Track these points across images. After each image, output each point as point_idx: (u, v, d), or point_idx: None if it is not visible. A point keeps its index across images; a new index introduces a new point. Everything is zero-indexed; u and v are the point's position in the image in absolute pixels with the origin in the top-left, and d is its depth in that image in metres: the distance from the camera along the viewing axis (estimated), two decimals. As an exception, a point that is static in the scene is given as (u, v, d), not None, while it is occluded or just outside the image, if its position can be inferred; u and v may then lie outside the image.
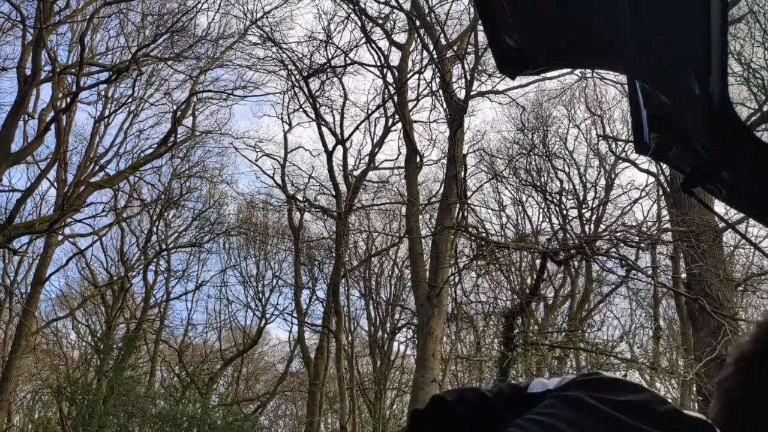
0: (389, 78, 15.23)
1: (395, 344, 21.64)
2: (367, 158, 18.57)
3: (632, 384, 0.96)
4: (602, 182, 19.01)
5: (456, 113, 12.75)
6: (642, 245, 11.77)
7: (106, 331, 18.95)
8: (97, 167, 18.50)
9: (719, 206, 11.81)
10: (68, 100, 15.53)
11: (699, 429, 0.90)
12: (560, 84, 17.80)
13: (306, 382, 19.70)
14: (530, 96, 20.14)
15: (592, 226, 17.76)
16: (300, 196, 19.74)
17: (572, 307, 18.28)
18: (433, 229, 14.27)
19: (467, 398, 1.05)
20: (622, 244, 10.45)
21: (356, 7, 14.40)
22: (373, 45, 14.73)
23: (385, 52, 15.45)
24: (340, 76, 16.40)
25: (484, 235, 14.92)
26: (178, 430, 16.32)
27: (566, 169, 18.85)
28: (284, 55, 15.68)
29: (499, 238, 16.90)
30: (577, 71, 14.67)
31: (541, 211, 19.05)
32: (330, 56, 15.56)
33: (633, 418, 0.87)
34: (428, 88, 15.75)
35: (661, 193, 16.68)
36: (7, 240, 12.81)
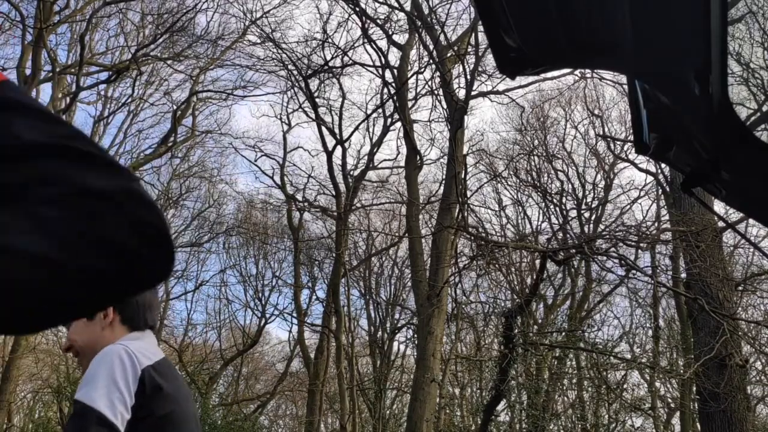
0: (389, 78, 15.23)
1: (395, 344, 21.64)
2: (366, 158, 18.58)
3: None
4: (601, 182, 19.04)
5: (456, 113, 12.75)
6: (641, 245, 11.77)
7: (106, 331, 18.90)
8: (97, 167, 18.48)
9: (719, 206, 11.82)
10: (68, 100, 15.52)
11: None
12: (560, 84, 17.79)
13: (306, 382, 19.69)
14: (530, 96, 20.12)
15: (592, 225, 17.78)
16: (299, 196, 19.77)
17: (572, 307, 18.27)
18: (433, 229, 14.27)
19: None
20: (621, 244, 10.45)
21: (356, 8, 14.39)
22: (373, 45, 14.73)
23: (385, 52, 15.46)
24: (339, 76, 16.40)
25: (484, 235, 14.91)
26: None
27: (565, 169, 18.86)
28: (284, 55, 15.68)
29: (499, 238, 16.90)
30: (577, 71, 14.67)
31: (540, 211, 19.07)
32: (330, 56, 15.57)
33: None
34: (428, 87, 15.76)
35: (660, 192, 16.69)
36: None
